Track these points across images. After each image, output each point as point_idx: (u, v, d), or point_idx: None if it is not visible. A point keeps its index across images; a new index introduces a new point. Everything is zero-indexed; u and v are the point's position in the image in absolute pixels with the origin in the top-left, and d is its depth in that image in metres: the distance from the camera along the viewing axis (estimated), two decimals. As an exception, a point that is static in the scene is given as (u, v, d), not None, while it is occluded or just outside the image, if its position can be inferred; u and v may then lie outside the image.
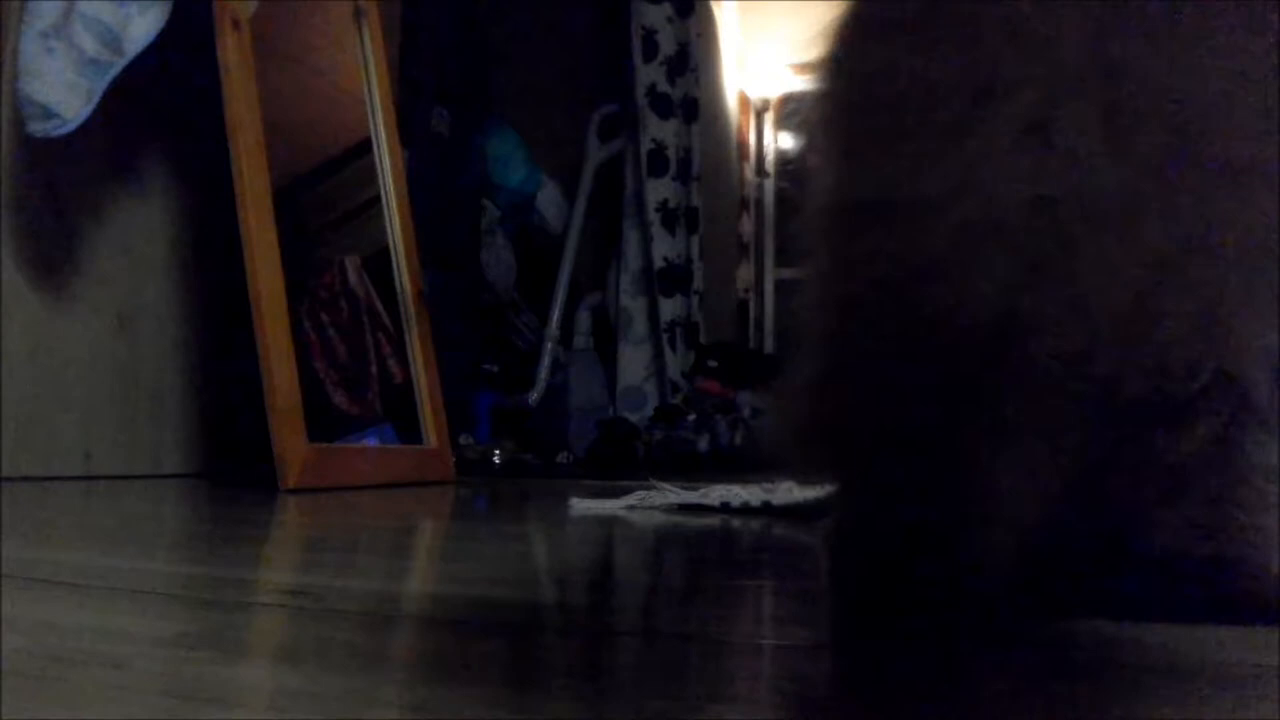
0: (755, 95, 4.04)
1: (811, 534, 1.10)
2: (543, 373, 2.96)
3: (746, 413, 2.75)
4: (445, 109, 2.64)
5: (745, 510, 1.31)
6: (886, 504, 0.57)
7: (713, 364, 2.99)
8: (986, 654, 0.50)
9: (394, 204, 1.96)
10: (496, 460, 2.50)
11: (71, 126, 1.44)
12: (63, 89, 1.42)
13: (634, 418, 2.90)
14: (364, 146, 1.95)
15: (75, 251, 1.62)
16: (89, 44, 1.44)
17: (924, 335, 0.55)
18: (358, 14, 1.97)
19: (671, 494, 1.41)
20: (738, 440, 2.69)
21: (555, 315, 3.03)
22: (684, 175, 3.14)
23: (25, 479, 1.46)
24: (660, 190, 3.09)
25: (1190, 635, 0.53)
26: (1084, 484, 0.58)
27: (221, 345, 1.85)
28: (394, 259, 1.94)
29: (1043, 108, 0.53)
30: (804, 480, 1.42)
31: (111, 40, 1.46)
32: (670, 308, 3.07)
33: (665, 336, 3.05)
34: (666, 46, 3.11)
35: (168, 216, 1.81)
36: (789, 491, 1.34)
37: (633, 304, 3.11)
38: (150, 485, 1.58)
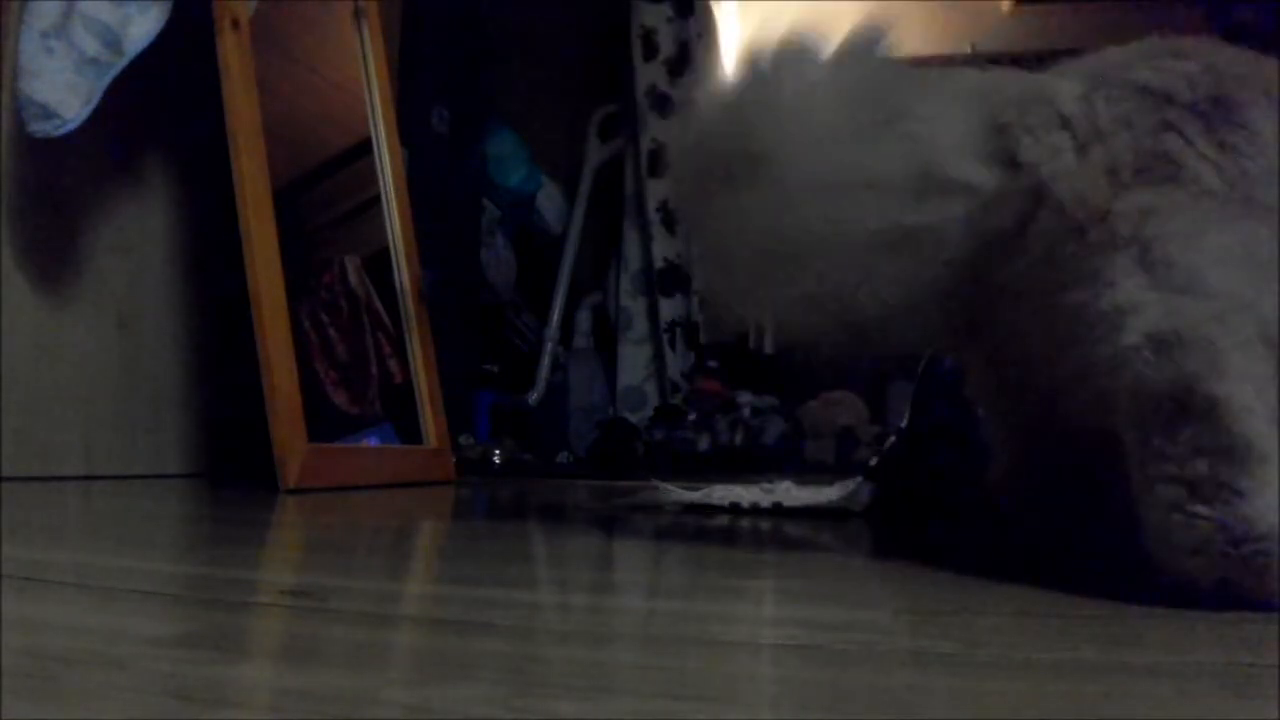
0: (755, 95, 4.03)
1: (820, 533, 1.10)
2: (543, 373, 2.95)
3: (746, 413, 2.75)
4: (445, 109, 2.64)
5: (755, 511, 1.31)
6: None
7: (713, 364, 2.99)
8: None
9: (394, 204, 1.96)
10: (496, 460, 2.50)
11: (71, 126, 1.44)
12: (63, 89, 1.42)
13: (634, 418, 2.89)
14: (364, 146, 1.95)
15: (75, 251, 1.62)
16: (89, 44, 1.44)
17: None
18: (358, 14, 1.97)
19: (673, 494, 1.41)
20: (738, 440, 2.69)
21: (555, 315, 3.03)
22: (684, 175, 3.13)
23: (25, 479, 1.46)
24: (660, 190, 3.09)
25: (1190, 635, 0.53)
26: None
27: (221, 345, 1.85)
28: (394, 259, 1.94)
29: None
30: (802, 481, 1.43)
31: (111, 40, 1.46)
32: (670, 308, 3.07)
33: (665, 336, 3.04)
34: (666, 46, 3.11)
35: (168, 216, 1.81)
36: (788, 492, 1.35)
37: (633, 304, 3.10)
38: (150, 485, 1.58)
